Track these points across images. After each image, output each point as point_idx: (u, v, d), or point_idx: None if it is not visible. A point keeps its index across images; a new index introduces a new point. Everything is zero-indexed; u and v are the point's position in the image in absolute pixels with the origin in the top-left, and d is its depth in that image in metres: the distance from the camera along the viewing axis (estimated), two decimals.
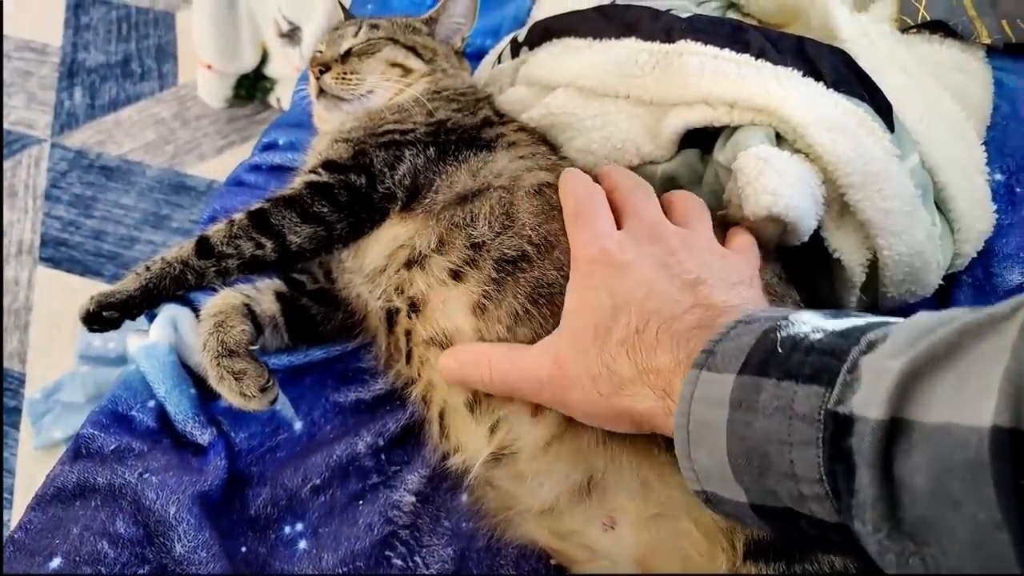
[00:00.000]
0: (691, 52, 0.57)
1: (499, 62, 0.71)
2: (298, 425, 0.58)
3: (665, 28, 0.60)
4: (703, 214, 0.52)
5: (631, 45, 0.60)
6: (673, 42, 0.59)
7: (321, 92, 0.69)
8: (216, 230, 0.57)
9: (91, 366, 1.32)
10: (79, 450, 0.55)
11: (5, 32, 2.00)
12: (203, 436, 0.56)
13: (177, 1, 2.08)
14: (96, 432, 0.56)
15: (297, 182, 0.60)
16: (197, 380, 0.59)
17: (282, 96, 1.75)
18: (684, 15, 0.62)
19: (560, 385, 0.45)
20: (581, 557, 0.49)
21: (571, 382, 0.44)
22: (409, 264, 0.55)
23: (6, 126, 1.82)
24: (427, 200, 0.57)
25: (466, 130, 0.62)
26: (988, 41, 0.71)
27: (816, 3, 0.69)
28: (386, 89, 0.68)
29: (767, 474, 0.33)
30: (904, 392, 0.29)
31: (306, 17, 1.46)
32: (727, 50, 0.57)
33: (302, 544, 0.53)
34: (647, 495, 0.46)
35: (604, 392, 0.42)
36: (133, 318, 0.56)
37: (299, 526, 0.53)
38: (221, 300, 0.57)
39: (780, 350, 0.34)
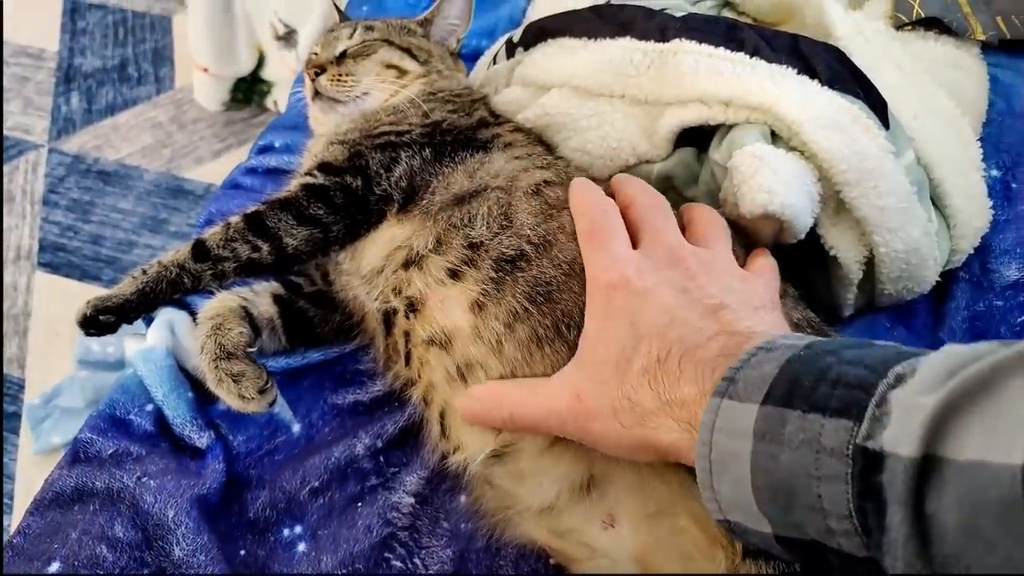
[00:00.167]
0: (686, 51, 0.57)
1: (494, 63, 0.71)
2: (296, 427, 0.58)
3: (660, 27, 0.60)
4: (723, 233, 0.51)
5: (626, 44, 0.60)
6: (668, 41, 0.59)
7: (317, 94, 0.69)
8: (212, 233, 0.57)
9: (90, 371, 1.32)
10: (77, 454, 0.55)
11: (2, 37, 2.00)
12: (201, 439, 0.56)
13: (173, 5, 2.08)
14: (94, 436, 0.56)
15: (293, 185, 0.60)
16: (195, 383, 0.58)
17: (279, 99, 1.75)
18: (679, 14, 0.62)
19: (581, 418, 0.43)
20: (580, 555, 0.49)
21: (592, 414, 0.43)
22: (407, 264, 0.55)
23: (3, 131, 1.82)
24: (424, 201, 0.57)
25: (462, 131, 0.63)
26: (983, 37, 0.71)
27: (811, 1, 0.69)
28: (381, 91, 0.68)
29: (793, 507, 0.33)
30: (937, 429, 0.28)
31: (302, 20, 1.46)
32: (722, 49, 0.57)
33: (301, 547, 0.52)
34: (647, 493, 0.46)
35: (627, 424, 0.41)
36: (130, 322, 0.56)
37: (298, 528, 0.53)
38: (218, 303, 0.57)
39: (805, 381, 0.34)
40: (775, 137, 0.55)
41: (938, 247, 0.58)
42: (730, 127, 0.56)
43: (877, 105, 0.56)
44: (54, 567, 0.49)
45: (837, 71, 0.57)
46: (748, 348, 0.38)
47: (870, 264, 0.57)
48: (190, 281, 0.56)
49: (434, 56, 0.72)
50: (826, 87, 0.56)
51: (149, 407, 0.57)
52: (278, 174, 0.76)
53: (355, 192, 0.58)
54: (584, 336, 0.46)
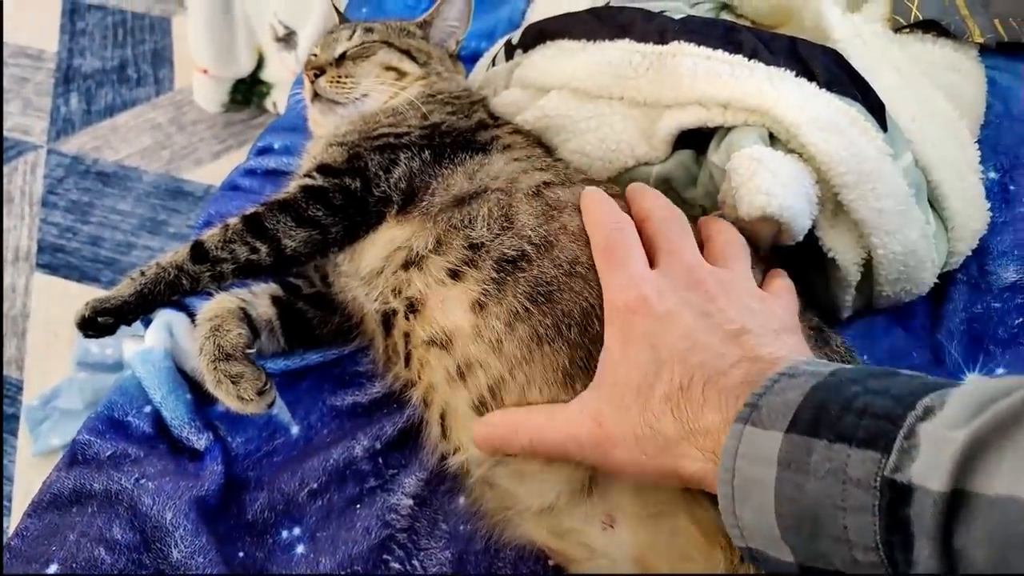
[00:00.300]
0: (684, 53, 0.58)
1: (493, 65, 0.72)
2: (295, 429, 0.58)
3: (658, 29, 0.60)
4: (742, 252, 0.50)
5: (625, 47, 0.60)
6: (666, 43, 0.59)
7: (316, 96, 0.69)
8: (211, 235, 0.57)
9: (89, 372, 1.32)
10: (75, 456, 0.55)
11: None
12: (199, 441, 0.56)
13: (173, 6, 2.09)
14: (92, 438, 0.56)
15: (292, 186, 0.60)
16: (193, 385, 0.59)
17: (278, 100, 1.75)
18: (677, 16, 0.63)
19: (603, 444, 0.43)
20: (580, 556, 0.49)
21: (614, 441, 0.42)
22: (407, 265, 0.55)
23: (3, 132, 1.82)
24: (423, 203, 0.57)
25: (461, 133, 0.63)
26: (981, 40, 0.71)
27: (809, 4, 0.69)
28: (381, 92, 0.68)
29: (818, 537, 0.33)
30: (967, 464, 0.29)
31: (302, 21, 1.46)
32: (720, 51, 0.57)
33: (300, 548, 0.52)
34: (646, 494, 0.46)
35: (650, 453, 0.41)
36: (129, 324, 0.56)
37: (296, 530, 0.53)
38: (217, 304, 0.57)
39: (831, 410, 0.34)
40: (773, 139, 0.55)
41: (936, 249, 0.58)
42: (728, 129, 0.56)
43: (875, 107, 0.56)
44: (52, 569, 0.49)
45: (835, 73, 0.57)
46: (771, 374, 0.38)
47: (868, 266, 0.57)
48: (188, 283, 0.56)
49: (433, 58, 0.72)
50: (824, 89, 0.56)
51: (147, 409, 0.57)
52: (277, 176, 0.76)
53: (354, 194, 0.58)
54: (603, 359, 0.45)
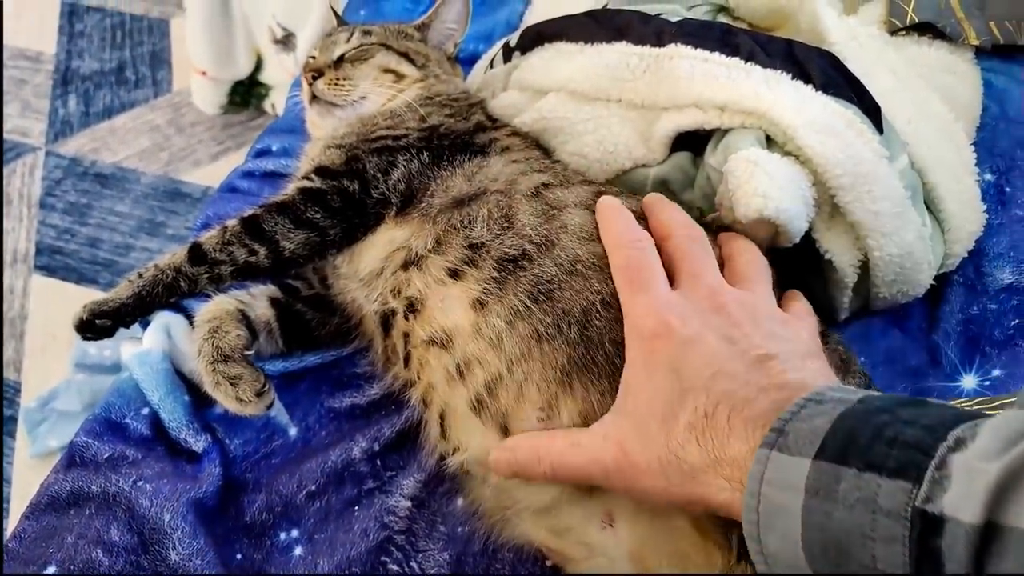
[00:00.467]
0: (681, 56, 0.58)
1: (492, 67, 0.72)
2: (293, 431, 0.58)
3: (655, 32, 0.60)
4: (764, 273, 0.50)
5: (622, 49, 0.61)
6: (663, 46, 0.59)
7: (314, 98, 0.69)
8: (209, 237, 0.57)
9: (87, 374, 1.32)
10: (73, 458, 0.55)
11: None
12: (197, 443, 0.56)
13: (171, 8, 2.08)
14: (90, 440, 0.56)
15: (290, 188, 0.60)
16: (191, 387, 0.59)
17: (277, 102, 1.75)
18: (674, 19, 0.63)
19: (628, 472, 0.42)
20: (578, 555, 0.49)
21: (640, 469, 0.42)
22: (406, 265, 0.55)
23: (1, 134, 1.82)
24: (422, 204, 0.57)
25: (459, 135, 0.63)
26: (976, 42, 0.71)
27: (805, 7, 0.69)
28: (379, 95, 0.68)
29: (846, 566, 0.33)
30: (1000, 496, 0.28)
31: (300, 23, 1.46)
32: (717, 54, 0.57)
33: (298, 550, 0.52)
34: None
35: (676, 482, 0.40)
36: (127, 326, 0.56)
37: (295, 532, 0.53)
38: (215, 306, 0.57)
39: (860, 439, 0.33)
40: (770, 142, 0.55)
41: (932, 251, 0.58)
42: (725, 132, 0.56)
43: (871, 110, 0.57)
44: (50, 571, 0.49)
45: (831, 76, 0.57)
46: (797, 400, 0.37)
47: (865, 268, 0.57)
48: (187, 285, 0.56)
49: (431, 60, 0.72)
50: (820, 92, 0.56)
51: (145, 411, 0.57)
52: (275, 178, 0.76)
53: (352, 196, 0.58)
54: (625, 385, 0.44)
